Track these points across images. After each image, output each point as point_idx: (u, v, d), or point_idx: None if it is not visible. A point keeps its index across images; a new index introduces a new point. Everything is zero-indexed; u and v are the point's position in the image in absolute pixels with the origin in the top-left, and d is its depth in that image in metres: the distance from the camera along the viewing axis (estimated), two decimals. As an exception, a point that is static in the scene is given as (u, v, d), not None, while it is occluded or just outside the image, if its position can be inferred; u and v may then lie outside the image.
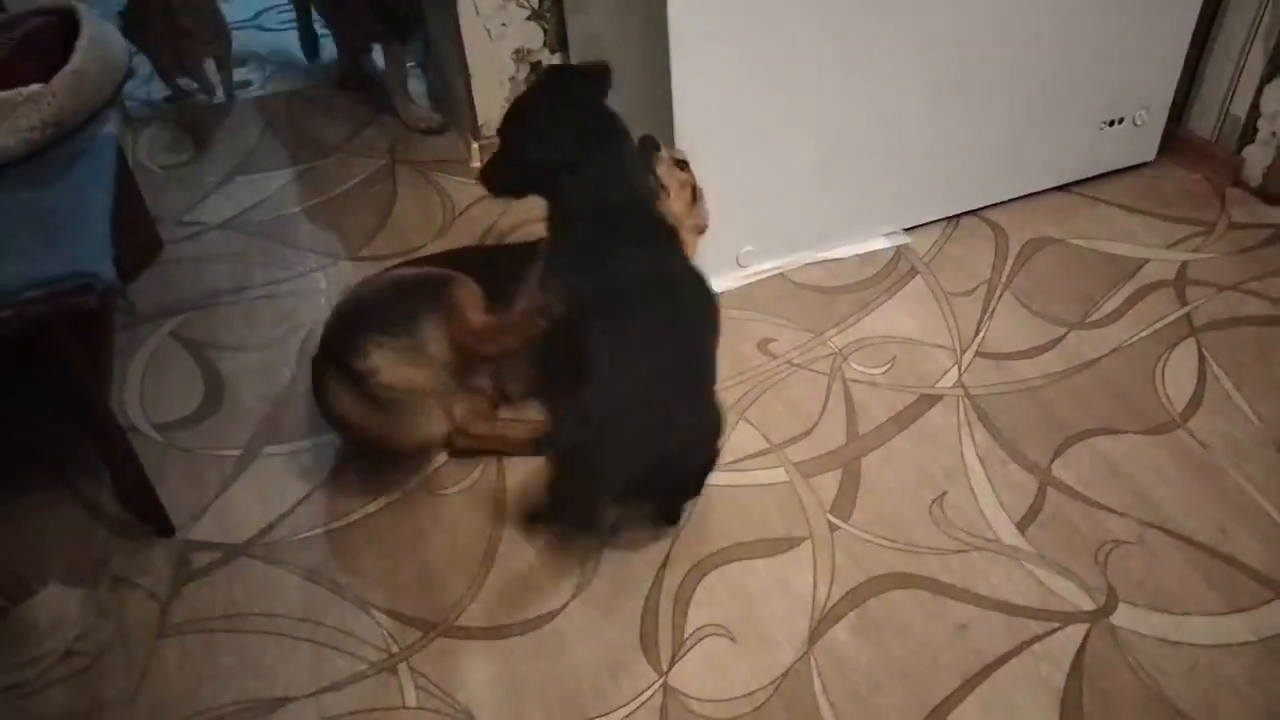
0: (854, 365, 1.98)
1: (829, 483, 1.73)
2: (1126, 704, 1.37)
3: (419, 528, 1.71)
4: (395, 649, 1.52)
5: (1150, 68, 2.34)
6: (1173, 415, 1.82)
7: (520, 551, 1.66)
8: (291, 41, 3.45)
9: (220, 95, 3.21)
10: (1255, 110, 2.32)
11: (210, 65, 3.16)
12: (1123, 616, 1.49)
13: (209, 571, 1.67)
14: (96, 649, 1.49)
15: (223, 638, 1.55)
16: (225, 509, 1.78)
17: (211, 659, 1.52)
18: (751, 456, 1.79)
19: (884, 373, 1.96)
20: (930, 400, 1.89)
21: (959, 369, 1.96)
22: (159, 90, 3.24)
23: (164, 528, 1.72)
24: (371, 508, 1.76)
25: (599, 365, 1.52)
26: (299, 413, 1.96)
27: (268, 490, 1.81)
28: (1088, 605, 1.50)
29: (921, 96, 2.13)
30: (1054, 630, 1.47)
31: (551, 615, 1.55)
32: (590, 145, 1.74)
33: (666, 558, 1.62)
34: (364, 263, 2.36)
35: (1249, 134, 2.36)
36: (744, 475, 1.76)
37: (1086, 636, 1.46)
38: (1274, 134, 2.29)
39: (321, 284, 2.32)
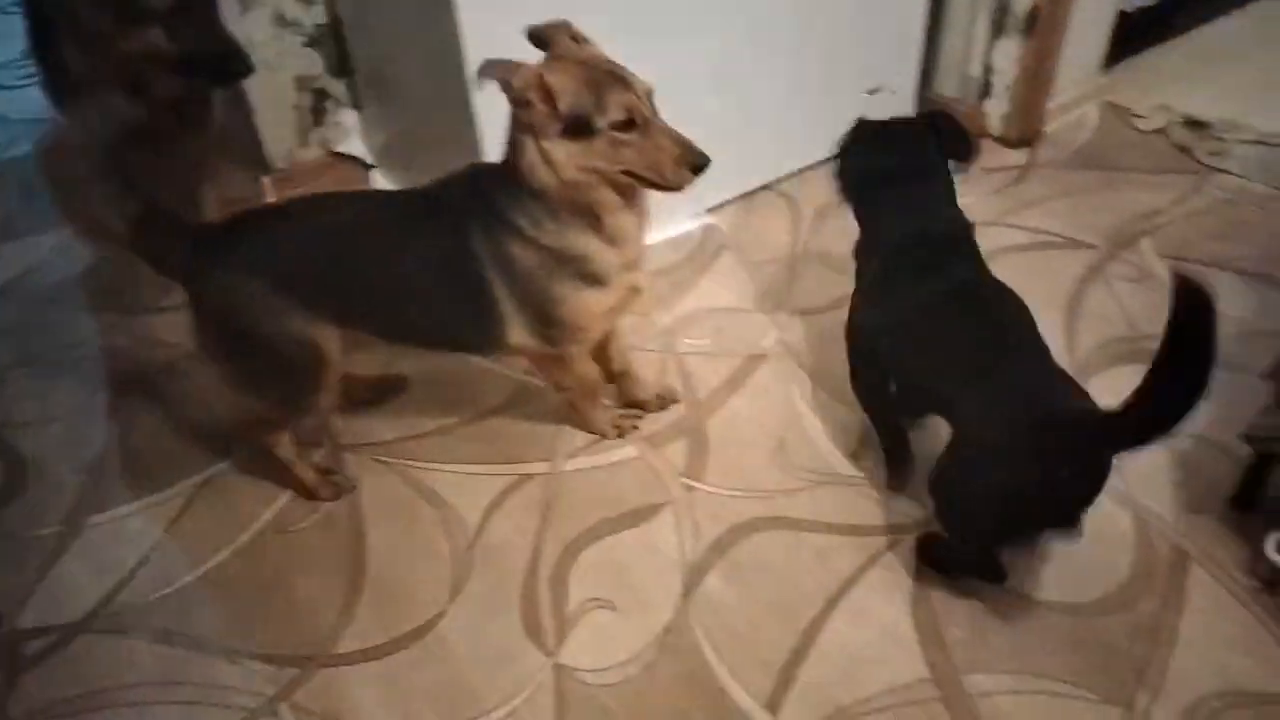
0: (684, 340, 2.08)
1: (679, 450, 1.82)
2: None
3: (276, 566, 1.66)
4: (272, 691, 1.48)
5: (893, 38, 2.60)
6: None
7: (389, 567, 1.64)
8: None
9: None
10: (988, 69, 2.63)
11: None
12: (951, 518, 1.66)
13: (46, 656, 1.55)
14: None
15: (78, 721, 1.45)
16: (54, 588, 1.66)
17: (70, 743, 1.41)
18: (602, 439, 1.86)
19: (712, 342, 2.07)
20: (757, 360, 2.02)
21: (777, 329, 2.10)
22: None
23: (-17, 620, 1.58)
24: (221, 556, 1.69)
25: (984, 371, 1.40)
26: (121, 475, 1.84)
27: (100, 560, 1.70)
28: (920, 514, 1.67)
29: (707, 82, 2.26)
30: (896, 542, 1.62)
31: (432, 623, 1.55)
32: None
33: (536, 546, 1.65)
34: (165, 313, 2.24)
35: (986, 89, 2.66)
36: (598, 456, 1.82)
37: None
38: (1006, 87, 2.60)
39: (123, 342, 2.18)
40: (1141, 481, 1.70)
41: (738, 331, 2.10)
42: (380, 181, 2.65)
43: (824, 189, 2.54)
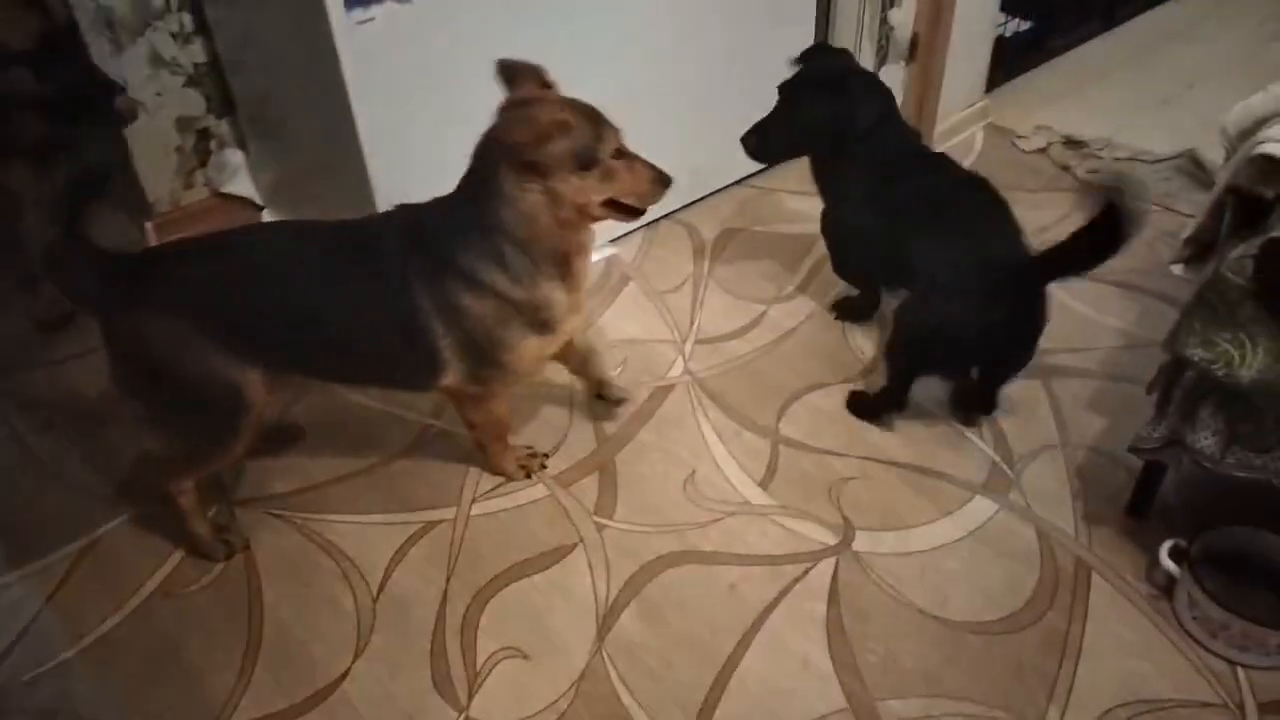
0: (588, 373, 2.06)
1: (589, 487, 1.79)
2: (878, 616, 1.55)
3: (166, 633, 1.56)
4: (164, 770, 1.38)
5: (785, 71, 2.64)
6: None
7: (288, 627, 1.56)
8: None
9: None
10: (876, 95, 2.69)
11: None
12: (861, 542, 1.67)
13: (-92, 751, 1.42)
14: None
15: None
16: (-83, 676, 1.52)
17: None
18: (509, 480, 1.81)
19: (619, 374, 2.05)
20: (664, 391, 2.01)
21: (683, 358, 2.10)
22: None
23: None
24: (106, 626, 1.58)
25: (934, 247, 1.72)
26: (-7, 546, 1.72)
27: (-29, 639, 1.57)
28: (831, 540, 1.67)
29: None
30: (808, 570, 1.62)
31: (335, 684, 1.48)
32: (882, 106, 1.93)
33: (444, 595, 1.60)
34: (47, 368, 2.11)
35: (875, 116, 2.73)
36: (507, 498, 1.78)
37: (836, 568, 1.62)
38: (894, 113, 2.68)
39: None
40: (1043, 496, 1.74)
41: (645, 362, 2.09)
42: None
43: (725, 216, 2.58)
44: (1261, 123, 1.54)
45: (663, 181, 1.51)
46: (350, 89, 1.85)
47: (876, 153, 1.89)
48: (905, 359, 1.84)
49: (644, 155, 1.52)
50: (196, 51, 2.43)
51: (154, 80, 2.39)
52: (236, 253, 1.52)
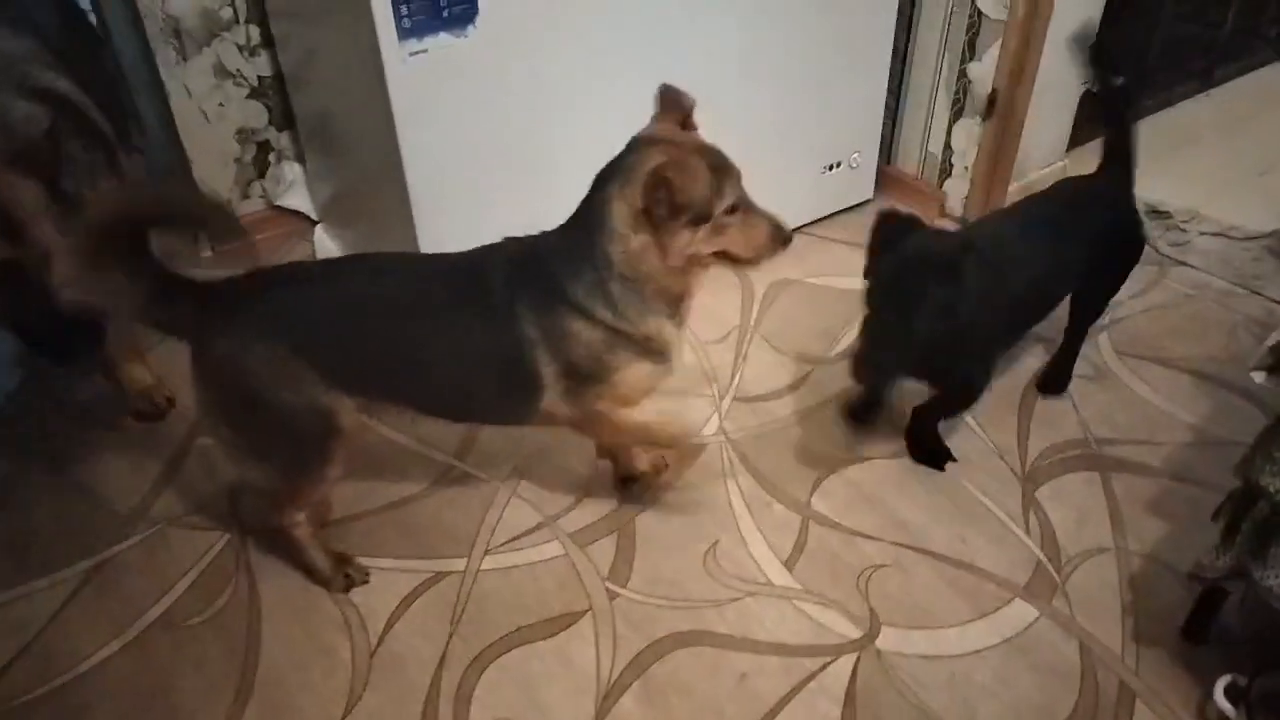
0: (619, 424, 1.99)
1: (605, 549, 1.72)
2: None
3: (161, 668, 1.53)
4: (141, 814, 1.35)
5: (856, 115, 2.55)
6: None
7: (282, 673, 1.52)
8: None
9: None
10: (948, 148, 2.58)
11: None
12: (886, 639, 1.56)
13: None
14: None
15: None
16: (-82, 683, 1.52)
17: None
18: (525, 534, 1.75)
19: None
20: (696, 450, 1.93)
21: (719, 415, 2.01)
22: None
23: None
24: (104, 653, 1.56)
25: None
26: (8, 555, 1.72)
27: (-26, 650, 1.56)
28: (854, 634, 1.57)
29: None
30: (826, 665, 1.52)
31: (321, 742, 1.43)
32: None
33: (443, 656, 1.54)
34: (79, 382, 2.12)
35: (947, 169, 2.61)
36: (519, 554, 1.71)
37: (856, 665, 1.52)
38: (966, 168, 2.55)
39: (26, 413, 2.06)
40: (1090, 606, 1.61)
41: (679, 416, 2.01)
42: (323, 237, 2.55)
43: (778, 265, 2.48)
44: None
45: (781, 239, 1.47)
46: (397, 118, 1.81)
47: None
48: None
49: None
50: (262, 64, 2.44)
51: (218, 91, 2.41)
52: (341, 280, 1.50)
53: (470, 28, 1.80)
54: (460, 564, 1.69)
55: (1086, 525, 1.76)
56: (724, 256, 1.46)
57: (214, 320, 1.40)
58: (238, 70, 2.41)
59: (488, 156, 1.98)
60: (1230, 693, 1.39)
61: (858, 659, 1.53)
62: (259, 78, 2.44)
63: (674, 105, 1.47)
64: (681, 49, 2.11)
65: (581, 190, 2.11)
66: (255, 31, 2.39)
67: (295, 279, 1.50)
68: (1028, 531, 1.75)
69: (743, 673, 1.52)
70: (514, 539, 1.74)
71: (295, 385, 1.41)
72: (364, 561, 1.70)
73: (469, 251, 1.51)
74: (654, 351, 1.51)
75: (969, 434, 1.97)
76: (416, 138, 1.86)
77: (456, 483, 1.85)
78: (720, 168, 1.40)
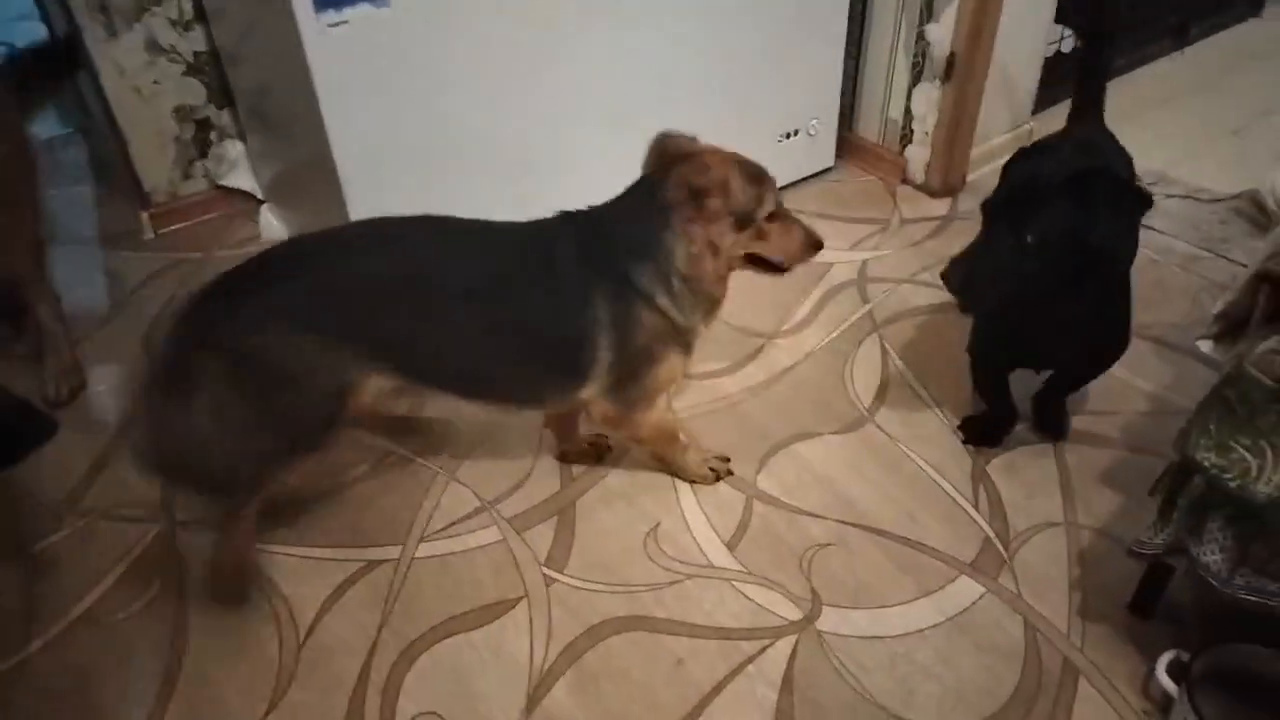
0: (564, 404, 1.94)
1: (544, 534, 1.68)
2: (834, 710, 1.41)
3: (83, 665, 1.49)
4: (61, 815, 1.31)
5: (814, 82, 2.48)
6: (862, 411, 1.92)
7: (207, 667, 1.48)
8: None
9: None
10: (908, 113, 2.51)
11: None
12: (827, 620, 1.53)
13: None
14: None
15: None
16: None
17: None
18: (463, 519, 1.71)
19: (594, 408, 1.93)
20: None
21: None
22: None
23: None
24: (26, 650, 1.52)
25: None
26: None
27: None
28: (795, 615, 1.53)
29: (602, 130, 2.13)
30: (765, 648, 1.49)
31: (244, 738, 1.40)
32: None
33: (373, 647, 1.50)
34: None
35: (908, 135, 2.55)
36: (455, 540, 1.67)
37: (795, 648, 1.48)
38: (926, 133, 2.49)
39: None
40: (1036, 582, 1.57)
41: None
42: (269, 217, 2.49)
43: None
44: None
45: (814, 245, 1.54)
46: (320, 92, 1.75)
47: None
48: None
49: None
50: (197, 39, 2.36)
51: (152, 67, 2.33)
52: (388, 249, 1.45)
53: (393, -3, 1.73)
54: (395, 551, 1.65)
55: (1036, 499, 1.72)
56: (756, 261, 1.53)
57: (231, 316, 1.34)
58: (171, 46, 2.33)
59: (421, 133, 1.92)
60: (1173, 669, 1.36)
61: (797, 641, 1.50)
62: (194, 53, 2.36)
63: (674, 143, 1.51)
64: (629, 17, 2.04)
65: (522, 168, 2.06)
66: (188, 5, 2.31)
67: (328, 248, 1.44)
68: (976, 506, 1.71)
69: (679, 658, 1.48)
70: (451, 525, 1.70)
71: (327, 369, 1.37)
72: (296, 550, 1.66)
73: (528, 224, 1.51)
74: (687, 345, 1.57)
75: (921, 407, 1.92)
76: (342, 113, 1.79)
77: (395, 468, 1.81)
78: (760, 176, 1.48)
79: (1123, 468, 1.78)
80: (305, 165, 2.14)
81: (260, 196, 2.55)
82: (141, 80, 2.33)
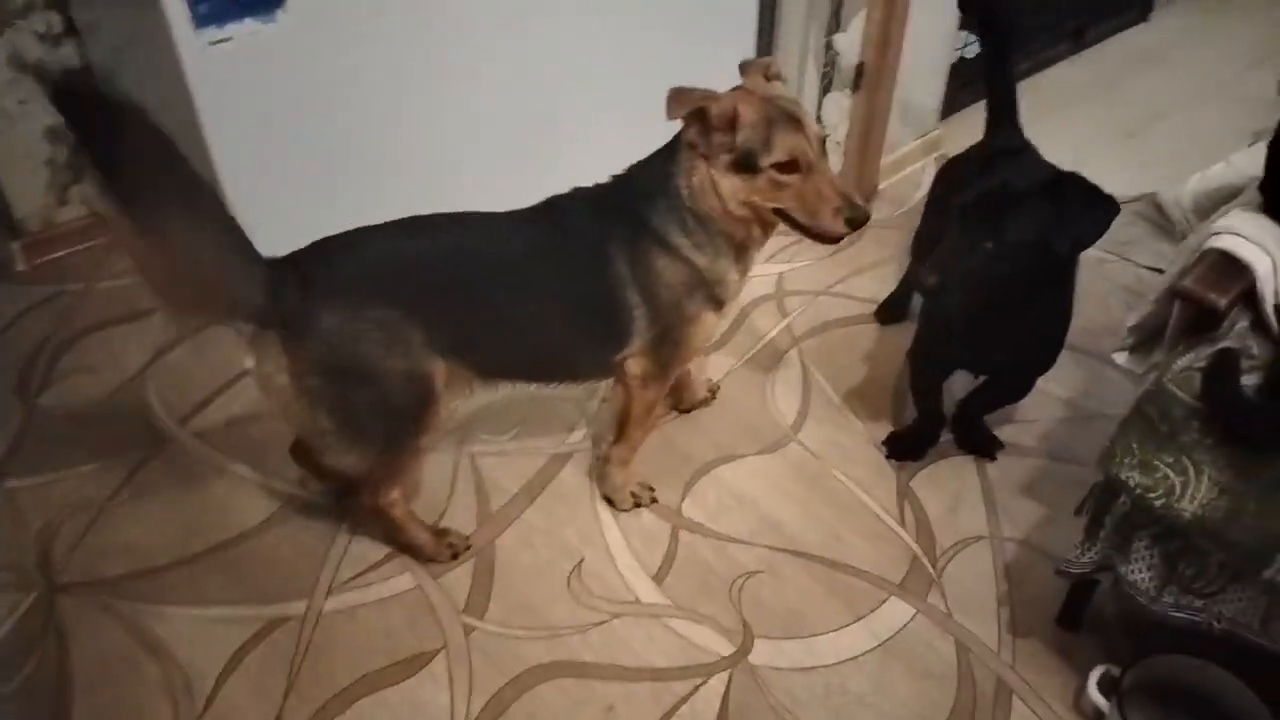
0: (480, 436, 1.85)
1: (462, 578, 1.59)
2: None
3: (-50, 757, 1.35)
4: None
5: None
6: (785, 429, 1.88)
7: (93, 753, 1.36)
8: None
9: None
10: (819, 122, 2.49)
11: None
12: (760, 653, 1.48)
13: None
14: None
15: None
16: None
17: None
18: (374, 566, 1.61)
19: (512, 438, 1.85)
20: (561, 460, 1.81)
21: (585, 419, 1.90)
22: None
23: None
24: (-116, 744, 1.37)
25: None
26: None
27: None
28: (726, 650, 1.49)
29: (513, 139, 2.05)
30: (698, 687, 1.43)
31: (136, 828, 1.28)
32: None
33: (279, 715, 1.40)
34: None
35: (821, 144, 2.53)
36: (367, 590, 1.57)
37: (728, 685, 1.44)
38: (838, 143, 2.48)
39: None
40: (965, 600, 1.56)
41: (543, 424, 1.89)
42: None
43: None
44: (1222, 199, 1.36)
45: (846, 216, 1.39)
46: (202, 114, 1.63)
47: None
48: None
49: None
50: (69, 54, 2.20)
51: (17, 85, 2.16)
52: (432, 235, 1.42)
53: (279, 11, 1.62)
54: (300, 607, 1.54)
55: (960, 512, 1.71)
56: (786, 219, 1.43)
57: (310, 297, 1.30)
58: (39, 61, 2.16)
59: (319, 152, 1.81)
60: (1103, 684, 1.35)
61: (730, 678, 1.45)
62: (66, 70, 2.19)
63: (753, 67, 1.47)
64: (529, 33, 1.96)
65: (431, 181, 1.97)
66: (56, 19, 2.14)
67: (381, 236, 1.41)
68: (902, 523, 1.70)
69: (610, 704, 1.41)
70: (361, 573, 1.60)
71: (405, 350, 1.36)
72: (190, 611, 1.54)
73: (547, 200, 1.50)
74: (718, 300, 1.52)
75: (844, 423, 1.90)
76: (229, 135, 1.67)
77: (298, 514, 1.70)
78: (777, 120, 1.36)
79: (1043, 477, 1.79)
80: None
81: (144, 222, 2.38)
82: (6, 99, 2.15)
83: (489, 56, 1.94)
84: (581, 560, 1.62)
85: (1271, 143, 1.20)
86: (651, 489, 1.73)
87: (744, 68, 1.49)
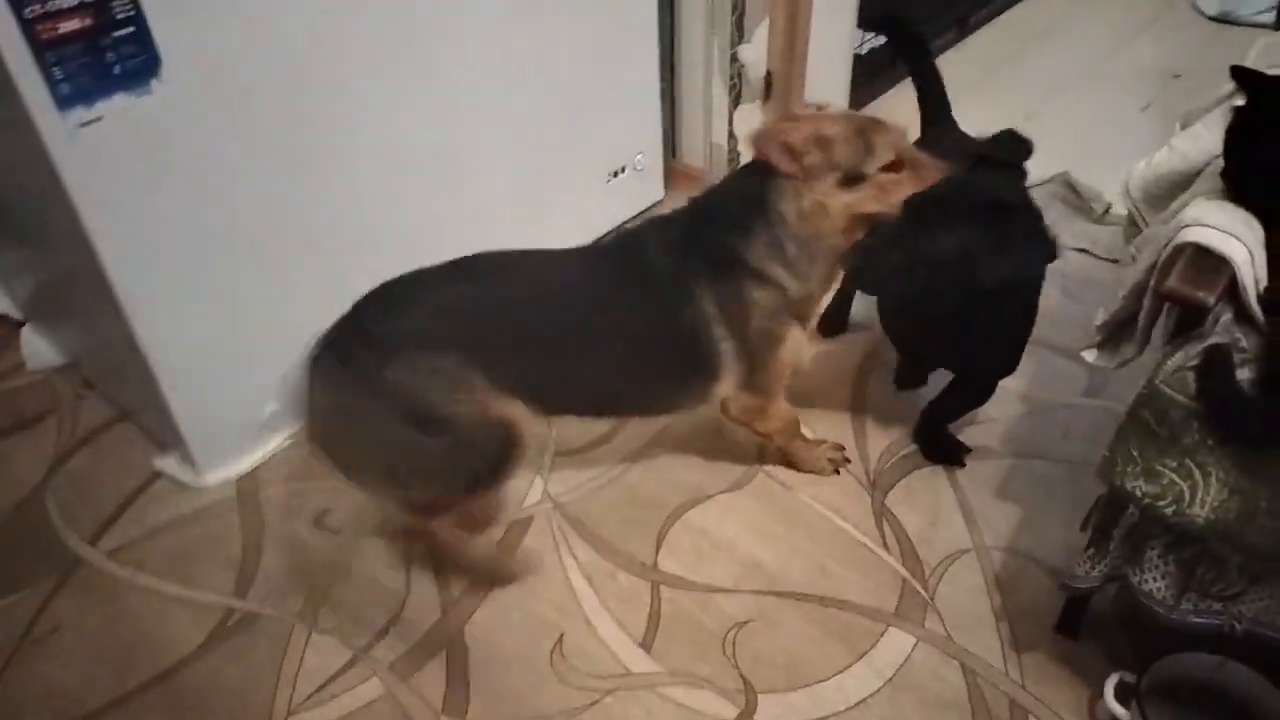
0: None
1: (435, 674, 1.46)
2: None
3: None
4: None
5: (632, 115, 2.36)
6: (749, 460, 1.81)
7: None
8: None
9: None
10: (732, 136, 2.44)
11: None
12: (766, 712, 1.40)
13: None
14: None
15: None
16: None
17: None
18: (335, 677, 1.46)
19: (463, 509, 1.72)
20: (522, 526, 1.70)
21: (543, 478, 1.79)
22: None
23: None
24: None
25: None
26: None
27: None
28: (731, 713, 1.40)
29: (423, 189, 1.92)
30: (707, 762, 1.34)
31: None
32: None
33: None
34: None
35: (734, 157, 2.48)
36: (331, 706, 1.43)
37: (740, 753, 1.35)
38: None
39: None
40: (963, 618, 1.51)
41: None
42: (34, 339, 2.11)
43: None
44: (1171, 185, 1.34)
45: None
46: (78, 203, 1.45)
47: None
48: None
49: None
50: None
51: None
52: (491, 277, 1.43)
53: (154, 82, 1.46)
54: (256, 737, 1.39)
55: (940, 526, 1.67)
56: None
57: (367, 349, 1.31)
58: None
59: (211, 225, 1.63)
60: (1120, 692, 1.32)
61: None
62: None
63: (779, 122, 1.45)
64: (428, 77, 1.84)
65: (339, 243, 1.83)
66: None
67: (444, 282, 1.40)
68: (885, 546, 1.64)
69: (615, 795, 1.31)
70: (322, 686, 1.45)
71: (469, 394, 1.33)
72: (134, 761, 1.36)
73: (614, 239, 1.51)
74: (803, 317, 1.52)
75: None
76: (109, 219, 1.49)
77: (240, 629, 1.54)
78: (867, 126, 1.38)
79: (1013, 476, 1.76)
80: (71, 279, 1.81)
81: (19, 317, 2.16)
82: None
83: (390, 105, 1.81)
84: (561, 635, 1.51)
85: (1228, 130, 1.19)
86: (841, 447, 1.80)
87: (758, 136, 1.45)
